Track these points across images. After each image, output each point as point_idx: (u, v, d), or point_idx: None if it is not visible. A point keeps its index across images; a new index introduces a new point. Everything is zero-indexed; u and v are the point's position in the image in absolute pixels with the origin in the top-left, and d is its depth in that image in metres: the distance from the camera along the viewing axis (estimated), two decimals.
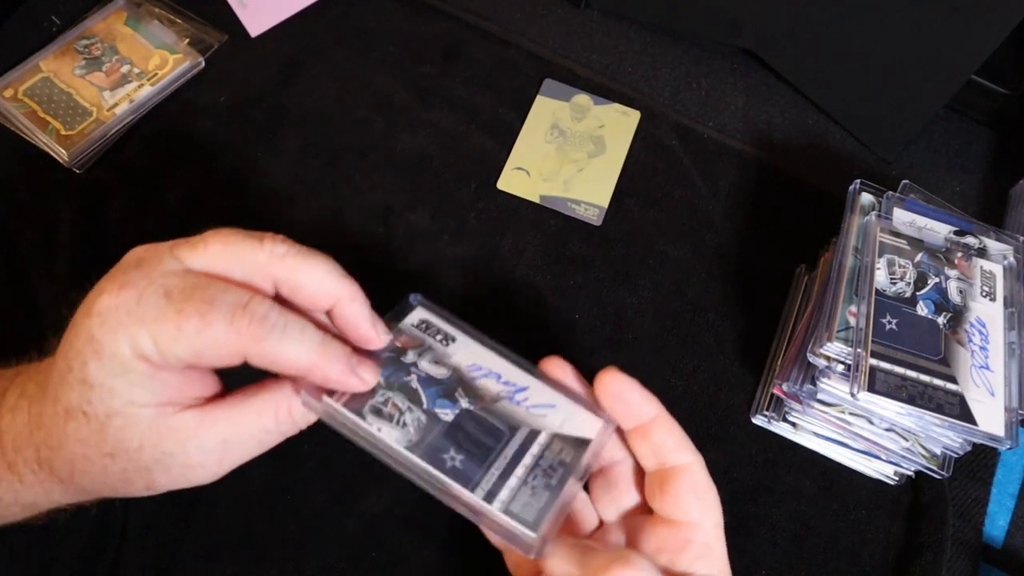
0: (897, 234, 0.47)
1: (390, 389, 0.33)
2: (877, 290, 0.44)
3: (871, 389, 0.42)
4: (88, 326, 0.29)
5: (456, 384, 0.33)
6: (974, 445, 0.43)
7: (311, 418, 0.33)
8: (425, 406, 0.33)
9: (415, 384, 0.33)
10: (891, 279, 0.45)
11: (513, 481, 0.31)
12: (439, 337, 0.35)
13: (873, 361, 0.42)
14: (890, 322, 0.44)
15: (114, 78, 0.59)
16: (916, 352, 0.43)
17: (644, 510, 0.34)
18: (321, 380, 0.31)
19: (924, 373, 0.42)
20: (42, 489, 0.33)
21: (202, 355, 0.29)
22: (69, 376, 0.30)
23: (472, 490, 0.30)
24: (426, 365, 0.34)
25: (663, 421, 0.33)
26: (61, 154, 0.56)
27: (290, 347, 0.30)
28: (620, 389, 0.33)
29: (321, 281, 0.31)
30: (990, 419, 0.42)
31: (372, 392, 0.32)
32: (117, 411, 0.29)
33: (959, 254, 0.47)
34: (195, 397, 0.31)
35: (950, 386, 0.42)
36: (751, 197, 0.60)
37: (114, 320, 0.29)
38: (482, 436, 0.32)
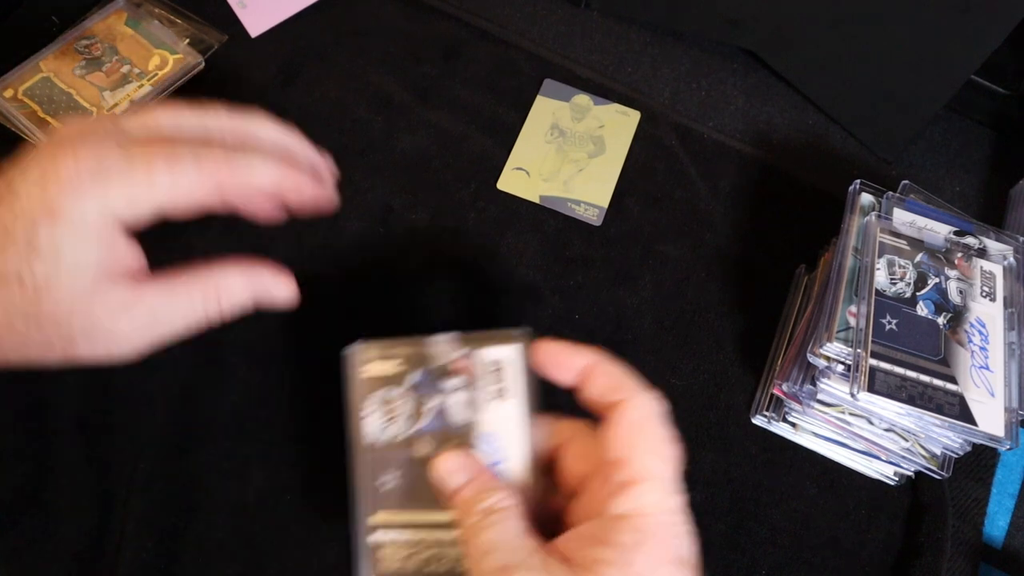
0: (897, 234, 0.47)
1: (409, 394, 0.33)
2: (877, 290, 0.44)
3: (871, 389, 0.42)
4: (43, 194, 0.30)
5: (459, 436, 0.33)
6: (974, 445, 0.43)
7: (236, 306, 0.34)
8: (413, 429, 0.33)
9: (429, 407, 0.33)
10: (891, 279, 0.45)
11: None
12: (496, 387, 0.34)
13: (873, 361, 0.42)
14: (890, 322, 0.44)
15: (114, 78, 0.59)
16: (916, 352, 0.43)
17: None
18: (293, 189, 0.33)
19: (924, 373, 0.42)
20: None
21: (176, 202, 0.31)
22: (9, 242, 0.30)
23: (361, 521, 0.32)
24: (454, 402, 0.34)
25: (604, 366, 0.32)
26: None
27: (258, 169, 0.32)
28: (549, 352, 0.33)
29: (264, 175, 0.33)
30: (990, 419, 0.42)
31: (393, 387, 0.33)
32: (57, 277, 0.30)
33: (959, 254, 0.47)
34: (129, 268, 0.32)
35: (950, 386, 0.42)
36: (751, 197, 0.60)
37: (77, 185, 0.30)
38: (427, 489, 0.33)
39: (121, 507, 0.47)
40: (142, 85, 0.59)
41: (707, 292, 0.56)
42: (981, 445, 0.42)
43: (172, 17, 0.63)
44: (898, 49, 0.57)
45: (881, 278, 0.45)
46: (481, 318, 0.54)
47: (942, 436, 0.43)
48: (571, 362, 0.33)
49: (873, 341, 0.43)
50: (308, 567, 0.46)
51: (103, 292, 0.31)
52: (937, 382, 0.42)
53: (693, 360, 0.54)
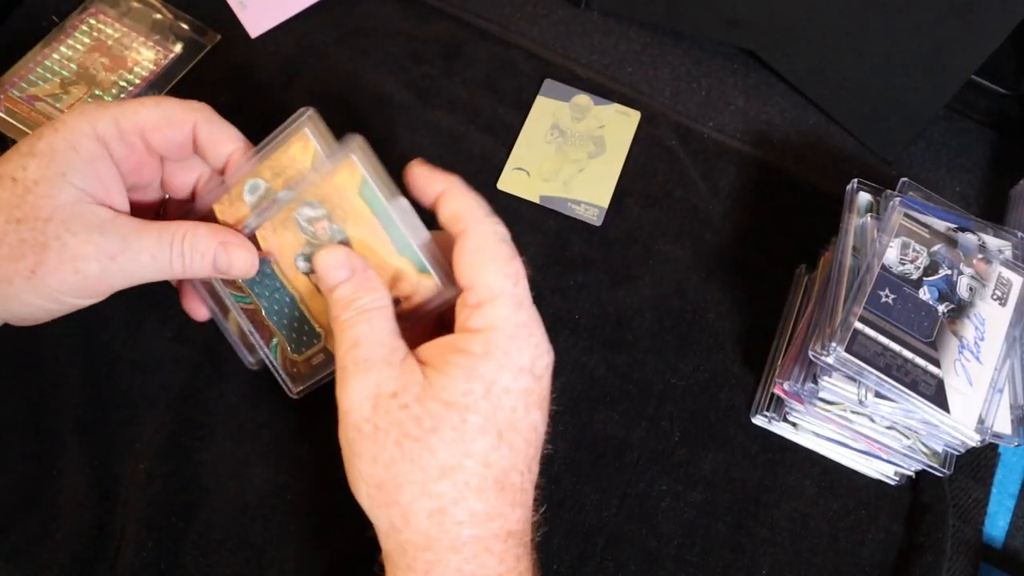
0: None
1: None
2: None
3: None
4: (53, 120, 0.35)
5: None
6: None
7: (199, 259, 0.37)
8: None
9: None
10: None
11: None
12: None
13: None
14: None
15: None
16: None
17: None
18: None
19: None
20: None
21: (159, 125, 0.36)
22: (12, 152, 0.35)
23: None
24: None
25: (451, 194, 0.35)
26: None
27: (224, 126, 0.39)
28: (413, 175, 0.36)
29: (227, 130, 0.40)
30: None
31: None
32: (46, 178, 0.34)
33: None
34: (110, 193, 0.36)
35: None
36: (751, 197, 0.60)
37: (82, 109, 0.35)
38: None
39: (121, 507, 0.47)
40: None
41: (707, 292, 0.56)
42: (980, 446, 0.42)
43: (170, 16, 0.63)
44: (898, 49, 0.57)
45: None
46: None
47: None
48: (430, 187, 0.36)
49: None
50: (308, 567, 0.46)
51: (83, 205, 0.34)
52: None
53: (693, 360, 0.54)
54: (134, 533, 0.46)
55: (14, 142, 0.56)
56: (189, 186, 0.41)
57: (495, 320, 0.33)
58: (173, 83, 0.60)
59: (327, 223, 0.37)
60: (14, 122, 0.57)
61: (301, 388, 0.41)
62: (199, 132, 0.38)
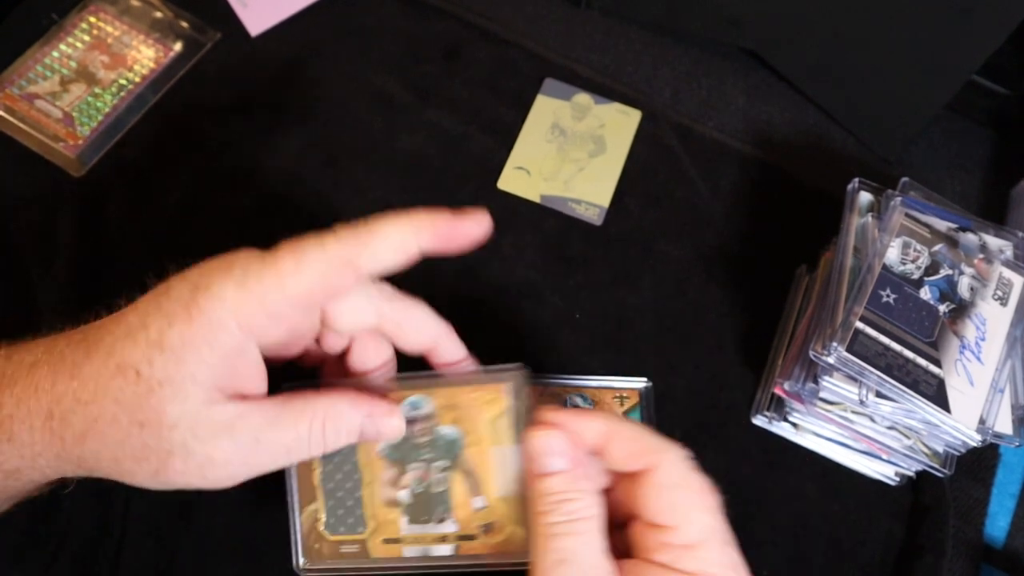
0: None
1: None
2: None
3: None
4: (191, 295, 0.29)
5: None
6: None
7: (340, 441, 0.33)
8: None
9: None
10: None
11: None
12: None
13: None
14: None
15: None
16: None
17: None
18: (430, 232, 0.32)
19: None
20: (31, 452, 0.31)
21: (313, 293, 0.30)
22: (141, 334, 0.29)
23: None
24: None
25: (618, 434, 0.32)
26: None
27: (385, 234, 0.31)
28: (558, 423, 0.32)
29: (424, 320, 0.34)
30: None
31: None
32: (173, 380, 0.29)
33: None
34: (246, 389, 0.31)
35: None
36: (751, 197, 0.60)
37: (220, 291, 0.29)
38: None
39: (121, 507, 0.47)
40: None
41: (707, 292, 0.56)
42: (981, 446, 0.42)
43: (169, 14, 0.63)
44: (899, 49, 0.57)
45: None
46: (481, 318, 0.54)
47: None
48: (584, 433, 0.32)
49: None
50: None
51: (210, 409, 0.30)
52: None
53: (693, 360, 0.54)
54: (134, 533, 0.46)
55: (14, 140, 0.57)
56: (360, 322, 0.35)
57: (708, 564, 0.31)
58: (173, 82, 0.60)
59: (434, 425, 0.34)
60: (13, 120, 0.57)
61: (310, 568, 0.37)
62: (367, 267, 0.31)
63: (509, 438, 0.33)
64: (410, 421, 0.34)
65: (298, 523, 0.37)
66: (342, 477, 0.35)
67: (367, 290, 0.34)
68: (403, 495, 0.35)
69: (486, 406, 0.34)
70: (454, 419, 0.34)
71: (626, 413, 0.32)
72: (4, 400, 0.31)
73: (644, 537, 0.32)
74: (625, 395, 0.32)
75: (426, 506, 0.34)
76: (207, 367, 0.29)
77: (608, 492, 0.34)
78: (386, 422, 0.33)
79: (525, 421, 0.33)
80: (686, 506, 0.31)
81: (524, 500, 0.33)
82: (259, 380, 0.32)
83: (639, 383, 0.37)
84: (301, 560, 0.37)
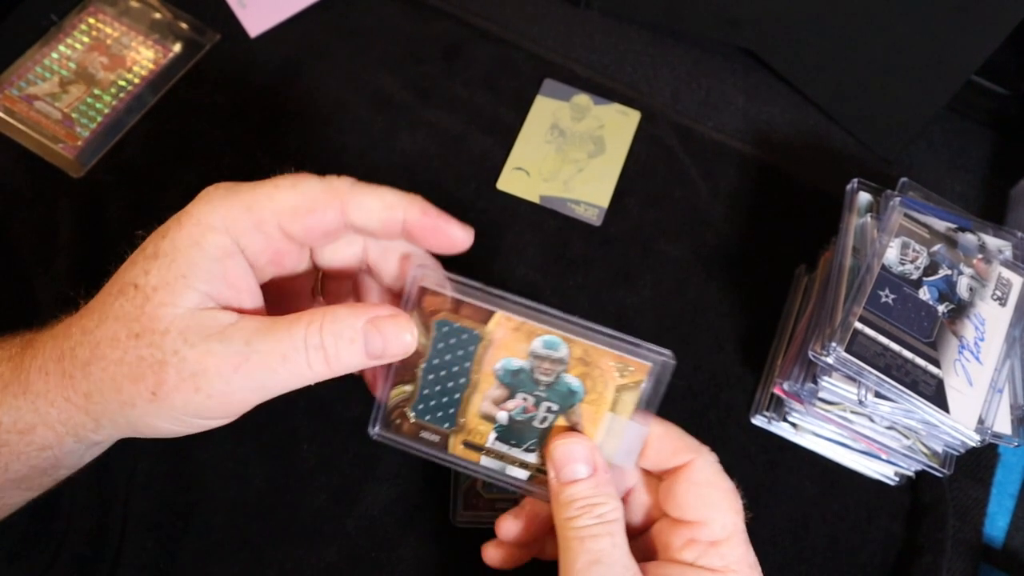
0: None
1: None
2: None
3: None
4: (183, 209, 0.31)
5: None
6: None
7: (343, 349, 0.31)
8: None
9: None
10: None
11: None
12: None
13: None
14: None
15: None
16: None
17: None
18: (418, 213, 0.32)
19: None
20: (45, 402, 0.31)
21: (297, 212, 0.31)
22: (139, 254, 0.31)
23: None
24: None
25: (657, 433, 0.34)
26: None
27: (378, 194, 0.32)
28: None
29: (387, 196, 0.33)
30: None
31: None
32: (166, 283, 0.30)
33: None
34: (241, 302, 0.32)
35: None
36: (751, 197, 0.60)
37: (209, 199, 0.31)
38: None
39: (121, 507, 0.47)
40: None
41: (707, 292, 0.56)
42: (980, 446, 0.42)
43: (166, 13, 0.63)
44: (898, 49, 0.57)
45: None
46: None
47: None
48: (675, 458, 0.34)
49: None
50: (308, 567, 0.46)
51: (201, 315, 0.30)
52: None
53: (693, 360, 0.54)
54: (134, 533, 0.46)
55: (13, 141, 0.57)
56: (349, 260, 0.35)
57: (732, 561, 0.32)
58: (172, 83, 0.60)
59: (560, 371, 0.34)
60: (13, 121, 0.57)
61: (385, 435, 0.36)
62: (351, 213, 0.32)
63: (628, 412, 0.34)
64: (539, 358, 0.34)
65: (388, 395, 0.36)
66: (447, 375, 0.35)
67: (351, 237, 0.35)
68: (502, 416, 0.35)
69: (620, 375, 0.34)
70: (582, 373, 0.34)
71: (621, 389, 0.32)
72: (26, 356, 0.32)
73: (669, 536, 0.34)
74: (630, 367, 0.31)
75: (520, 433, 0.35)
76: (197, 268, 0.30)
77: (623, 500, 0.35)
78: (392, 332, 0.31)
79: (653, 406, 0.34)
80: (716, 503, 0.33)
81: (612, 471, 0.34)
82: (251, 295, 0.32)
83: (657, 355, 0.33)
84: (377, 427, 0.36)
